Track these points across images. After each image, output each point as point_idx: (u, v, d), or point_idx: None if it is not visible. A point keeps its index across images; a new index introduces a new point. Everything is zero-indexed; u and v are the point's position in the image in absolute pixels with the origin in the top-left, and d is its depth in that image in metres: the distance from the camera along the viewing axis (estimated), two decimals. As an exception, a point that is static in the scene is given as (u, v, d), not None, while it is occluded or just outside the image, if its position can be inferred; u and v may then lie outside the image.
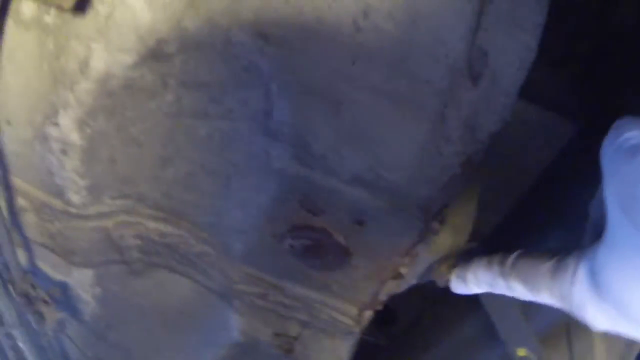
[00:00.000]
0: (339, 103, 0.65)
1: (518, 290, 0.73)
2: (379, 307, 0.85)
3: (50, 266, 0.94)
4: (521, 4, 0.68)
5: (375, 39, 0.64)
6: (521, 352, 0.79)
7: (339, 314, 0.86)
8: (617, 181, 0.59)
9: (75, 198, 0.79)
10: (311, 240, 0.74)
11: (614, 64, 0.92)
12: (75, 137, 0.74)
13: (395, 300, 1.44)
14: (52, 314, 0.91)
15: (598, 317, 0.64)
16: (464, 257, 0.82)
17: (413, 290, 1.28)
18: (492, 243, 1.06)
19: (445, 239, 0.81)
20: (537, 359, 0.78)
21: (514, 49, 0.67)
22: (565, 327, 1.29)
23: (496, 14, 0.67)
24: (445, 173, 0.67)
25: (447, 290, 1.17)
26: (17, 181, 0.83)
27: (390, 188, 0.68)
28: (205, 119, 0.71)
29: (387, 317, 1.61)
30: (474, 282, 0.80)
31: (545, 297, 0.70)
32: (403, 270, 0.77)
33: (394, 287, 0.80)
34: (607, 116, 0.83)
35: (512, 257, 0.75)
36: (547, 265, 0.69)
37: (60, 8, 0.67)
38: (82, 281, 0.92)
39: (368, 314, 0.85)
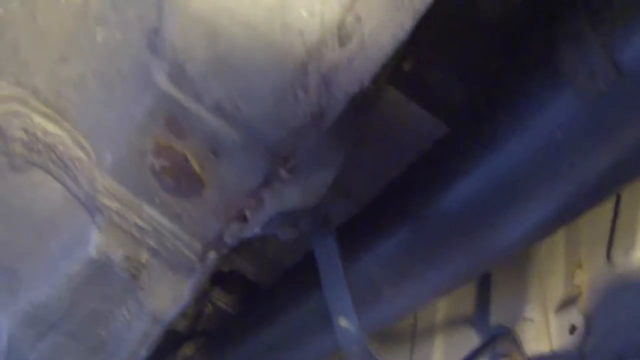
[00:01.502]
0: (218, 33, 0.76)
1: None
2: (224, 251, 0.93)
3: None
4: None
5: None
6: (342, 321, 0.87)
7: (184, 247, 0.94)
8: None
9: (-27, 76, 0.88)
10: (170, 162, 0.83)
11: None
12: (-15, 15, 0.85)
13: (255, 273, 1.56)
14: None
15: None
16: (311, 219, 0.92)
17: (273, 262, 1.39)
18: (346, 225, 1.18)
19: (292, 195, 0.91)
20: (355, 330, 0.86)
21: (388, 25, 0.78)
22: (411, 328, 1.40)
23: None
24: (297, 120, 0.77)
25: (304, 260, 1.27)
26: None
27: (245, 122, 0.77)
28: (105, 24, 0.82)
29: (246, 289, 1.74)
30: None
31: None
32: (248, 213, 0.86)
33: (237, 230, 0.89)
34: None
35: None
36: None
37: None
38: (-39, 165, 1.01)
39: (212, 255, 0.93)
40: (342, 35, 0.76)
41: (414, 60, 1.21)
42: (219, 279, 1.90)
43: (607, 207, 1.18)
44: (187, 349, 1.84)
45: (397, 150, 1.15)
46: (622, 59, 0.77)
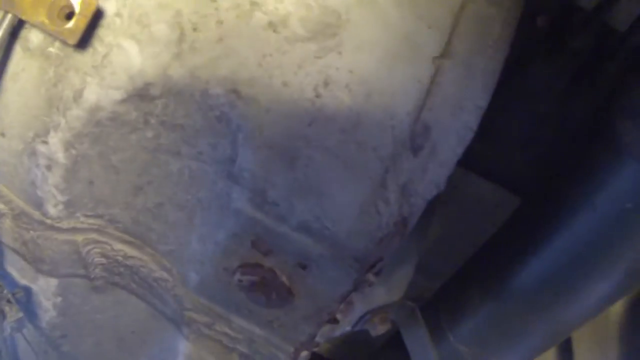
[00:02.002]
0: (295, 158, 0.79)
1: None
2: (315, 348, 0.97)
3: (17, 270, 1.06)
4: (467, 89, 0.83)
5: (332, 106, 0.79)
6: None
7: (277, 350, 0.98)
8: None
9: (52, 211, 0.92)
10: (258, 278, 0.87)
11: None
12: (60, 156, 0.88)
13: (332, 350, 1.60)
14: (14, 313, 1.04)
15: None
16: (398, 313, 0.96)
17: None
18: (430, 307, 1.22)
19: (379, 293, 0.95)
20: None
21: (455, 128, 0.82)
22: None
23: (442, 96, 0.81)
24: (381, 230, 0.80)
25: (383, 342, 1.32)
26: (0, 187, 0.96)
27: (332, 238, 0.81)
28: (178, 157, 0.85)
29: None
30: None
31: None
32: (339, 315, 0.89)
33: (329, 331, 0.93)
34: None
35: None
36: None
37: (65, 42, 0.82)
38: (45, 289, 1.04)
39: (304, 354, 0.98)
40: (415, 146, 0.79)
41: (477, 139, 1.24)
42: None
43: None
44: None
45: (473, 222, 1.18)
46: None
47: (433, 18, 0.83)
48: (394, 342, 1.30)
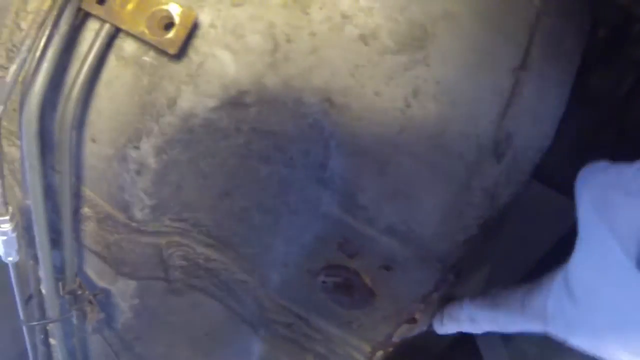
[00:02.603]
0: (385, 164, 0.85)
1: (492, 319, 0.89)
2: (391, 349, 1.03)
3: (96, 273, 1.11)
4: (544, 100, 0.89)
5: (421, 115, 0.85)
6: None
7: (354, 350, 1.03)
8: (591, 188, 0.68)
9: (138, 214, 0.98)
10: (342, 279, 0.92)
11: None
12: (151, 161, 0.94)
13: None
14: (94, 314, 1.09)
15: (574, 329, 0.72)
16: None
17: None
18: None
19: (459, 294, 1.00)
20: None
21: (534, 136, 0.88)
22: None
23: (522, 105, 0.87)
24: (465, 232, 0.86)
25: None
26: (86, 191, 1.02)
27: (417, 240, 0.86)
28: (268, 162, 0.91)
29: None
30: (452, 319, 0.97)
31: (519, 319, 0.81)
32: (418, 316, 0.95)
33: (407, 331, 0.98)
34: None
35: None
36: (523, 288, 0.85)
37: (164, 52, 0.88)
38: (124, 291, 1.10)
39: (380, 354, 1.03)
40: (498, 152, 0.85)
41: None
42: None
43: None
44: None
45: (537, 233, 1.24)
46: None
47: (511, 31, 0.89)
48: (457, 345, 1.35)
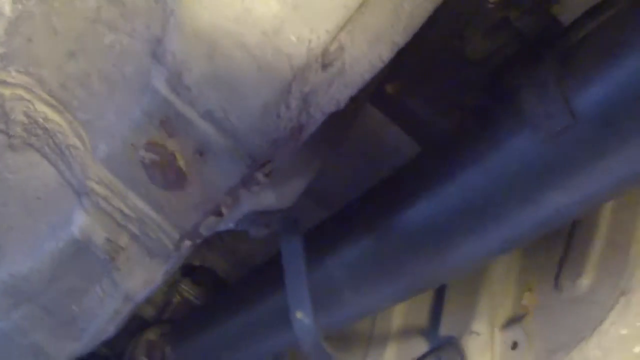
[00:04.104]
0: (214, 50, 0.92)
1: None
2: (198, 240, 1.12)
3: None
4: (388, 25, 0.96)
5: (260, 9, 0.90)
6: (299, 314, 1.06)
7: (165, 236, 1.11)
8: None
9: (-14, 60, 1.05)
10: (159, 157, 1.00)
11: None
12: (7, 9, 1.01)
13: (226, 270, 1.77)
14: None
15: None
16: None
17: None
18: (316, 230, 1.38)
19: (267, 197, 1.10)
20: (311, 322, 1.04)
21: (368, 55, 0.94)
22: (367, 334, 1.61)
23: (363, 24, 0.92)
24: (277, 132, 0.93)
25: (272, 260, 1.47)
26: None
27: (232, 131, 0.94)
28: (113, 30, 0.99)
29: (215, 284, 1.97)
30: None
31: None
32: (224, 209, 1.03)
33: (213, 224, 1.08)
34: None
35: None
36: None
37: None
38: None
39: (187, 244, 1.11)
40: (325, 61, 0.94)
41: (398, 86, 1.41)
42: (190, 272, 2.12)
43: (560, 237, 1.38)
44: (151, 334, 2.03)
45: (372, 165, 1.35)
46: (577, 105, 0.94)
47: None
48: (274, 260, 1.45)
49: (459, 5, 1.20)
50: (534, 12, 1.20)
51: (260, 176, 0.96)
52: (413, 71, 1.34)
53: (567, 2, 1.15)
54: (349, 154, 1.43)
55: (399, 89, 1.35)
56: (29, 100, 1.07)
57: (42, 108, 1.07)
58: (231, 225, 1.05)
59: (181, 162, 0.98)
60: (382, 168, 1.28)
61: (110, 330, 1.40)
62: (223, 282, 2.07)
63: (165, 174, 1.00)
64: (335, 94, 0.93)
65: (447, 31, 1.25)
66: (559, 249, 1.35)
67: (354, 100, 1.05)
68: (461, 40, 1.28)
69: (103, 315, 1.35)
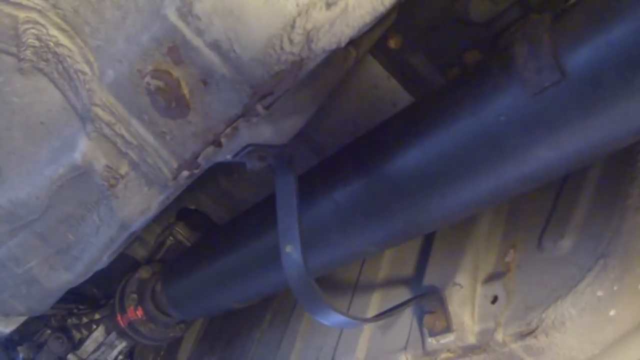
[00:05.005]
0: (225, -18, 1.00)
1: None
2: (196, 171, 1.18)
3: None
4: None
5: None
6: (288, 248, 1.13)
7: (163, 164, 1.18)
8: None
9: (2, -19, 1.11)
10: (164, 84, 1.07)
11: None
12: None
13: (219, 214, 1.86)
14: None
15: None
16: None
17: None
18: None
19: (265, 131, 1.17)
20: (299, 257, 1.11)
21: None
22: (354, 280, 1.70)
23: None
24: (279, 64, 1.00)
25: (263, 202, 1.55)
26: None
27: (236, 61, 1.00)
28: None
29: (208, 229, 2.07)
30: None
31: None
32: (224, 140, 1.10)
33: (212, 153, 1.14)
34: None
35: None
36: None
37: None
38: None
39: (185, 174, 1.19)
40: (329, 0, 1.01)
41: (401, 41, 1.49)
42: (185, 216, 2.20)
43: (546, 200, 1.45)
44: (143, 272, 2.12)
45: (367, 114, 1.42)
46: (567, 63, 1.01)
47: None
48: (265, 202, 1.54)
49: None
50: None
51: (260, 108, 1.02)
52: (417, 28, 1.41)
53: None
54: (346, 107, 1.50)
55: (401, 44, 1.42)
56: (42, 24, 1.13)
57: (54, 32, 1.13)
58: (228, 157, 1.12)
59: (185, 90, 1.05)
60: (377, 117, 1.35)
61: (104, 260, 1.47)
62: (217, 227, 2.16)
63: (169, 101, 1.06)
64: (337, 33, 0.99)
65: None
66: (545, 210, 1.42)
67: (356, 45, 1.12)
68: (466, 2, 1.35)
69: (98, 244, 1.42)
